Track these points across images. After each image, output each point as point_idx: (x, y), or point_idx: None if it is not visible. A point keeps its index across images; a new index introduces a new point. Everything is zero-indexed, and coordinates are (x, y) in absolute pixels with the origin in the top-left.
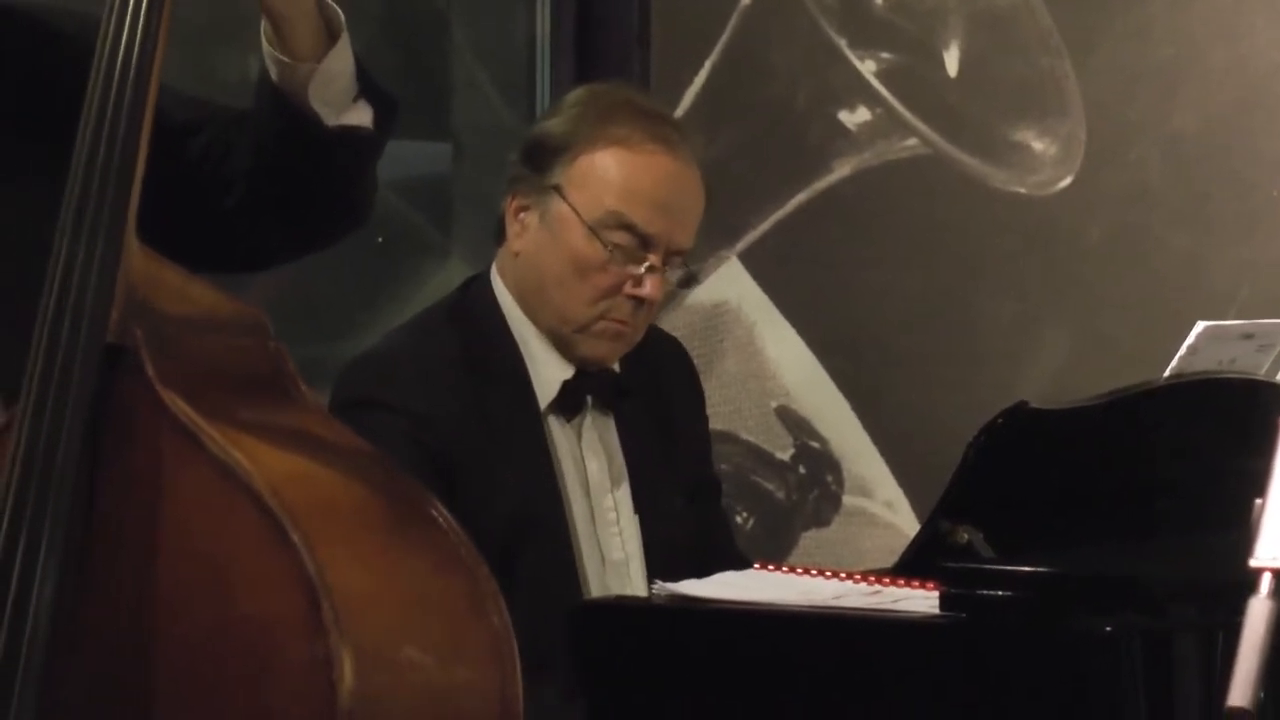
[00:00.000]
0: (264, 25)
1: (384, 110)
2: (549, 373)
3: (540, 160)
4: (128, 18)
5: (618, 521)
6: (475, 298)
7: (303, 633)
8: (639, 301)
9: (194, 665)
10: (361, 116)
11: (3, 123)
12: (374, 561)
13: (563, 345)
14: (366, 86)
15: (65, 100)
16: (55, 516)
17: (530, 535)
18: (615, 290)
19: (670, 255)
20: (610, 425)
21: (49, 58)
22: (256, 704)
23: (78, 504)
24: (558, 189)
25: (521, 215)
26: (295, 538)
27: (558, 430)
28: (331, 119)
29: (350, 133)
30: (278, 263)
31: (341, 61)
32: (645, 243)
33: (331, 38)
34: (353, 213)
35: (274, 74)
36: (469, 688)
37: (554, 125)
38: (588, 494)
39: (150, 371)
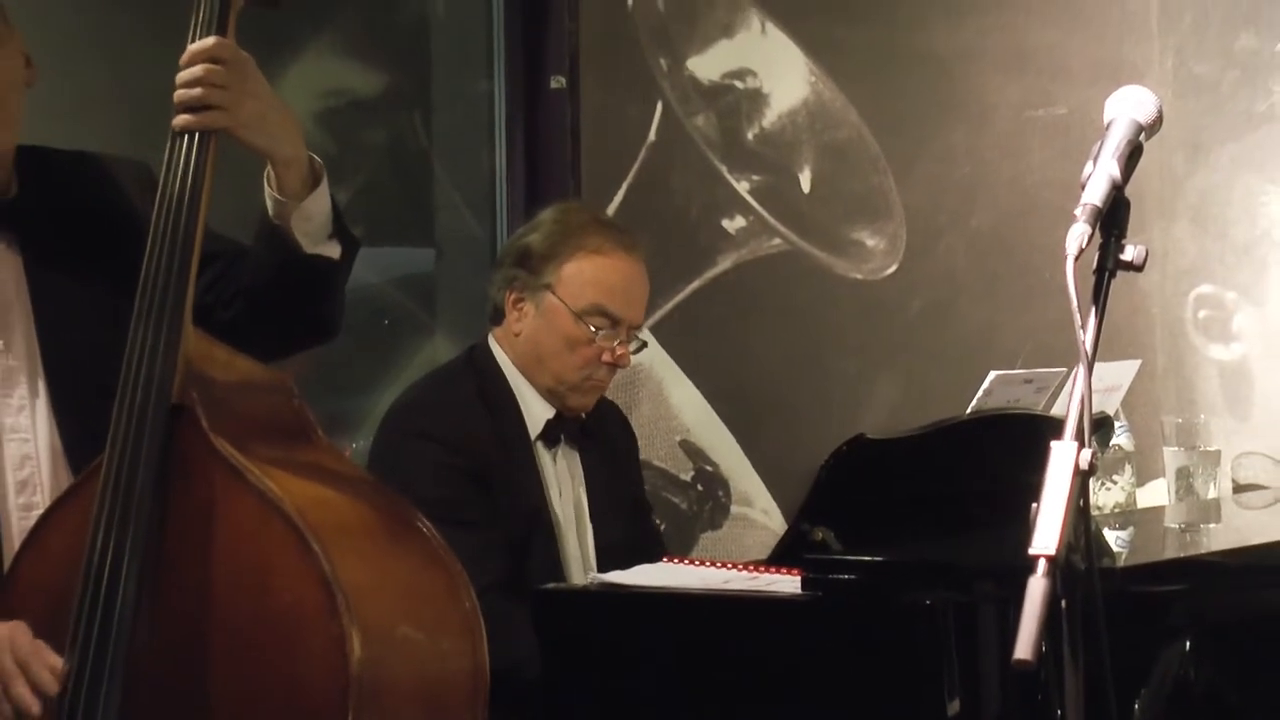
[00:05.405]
0: (267, 170)
1: (349, 247)
2: (536, 413)
3: (532, 265)
4: (181, 162)
5: (580, 525)
6: (479, 359)
7: (322, 618)
8: (613, 366)
9: (241, 646)
10: (331, 250)
11: (86, 250)
12: (374, 562)
13: (556, 398)
14: (339, 228)
15: (121, 225)
16: (135, 537)
17: (535, 531)
18: (596, 359)
19: (630, 330)
20: (576, 456)
21: (110, 192)
22: (289, 673)
23: (152, 528)
24: (549, 287)
25: (520, 305)
26: (315, 546)
27: (543, 454)
28: (309, 247)
29: (320, 259)
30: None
31: (319, 204)
32: (615, 323)
33: (316, 184)
34: (320, 326)
35: (270, 209)
36: (449, 655)
37: (539, 238)
38: (561, 502)
39: (204, 424)
